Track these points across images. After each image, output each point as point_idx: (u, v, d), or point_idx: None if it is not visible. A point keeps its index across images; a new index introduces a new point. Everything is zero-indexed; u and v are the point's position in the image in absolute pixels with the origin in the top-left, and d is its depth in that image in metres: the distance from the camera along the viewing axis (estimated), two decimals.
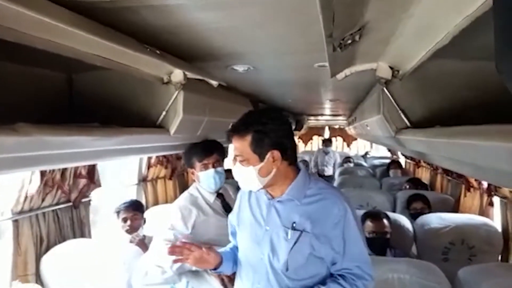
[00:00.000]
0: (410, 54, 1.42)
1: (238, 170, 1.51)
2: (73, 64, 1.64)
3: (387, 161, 7.66)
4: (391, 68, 1.72)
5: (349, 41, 1.19)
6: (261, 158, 1.46)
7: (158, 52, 1.42)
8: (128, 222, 2.82)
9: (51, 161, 1.46)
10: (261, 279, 1.54)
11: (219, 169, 2.23)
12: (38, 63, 1.63)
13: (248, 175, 1.48)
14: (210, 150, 2.24)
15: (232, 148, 1.53)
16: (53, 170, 2.38)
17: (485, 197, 3.42)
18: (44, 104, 1.72)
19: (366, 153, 10.70)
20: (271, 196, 1.57)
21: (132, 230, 2.82)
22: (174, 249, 1.56)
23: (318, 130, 12.04)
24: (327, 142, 8.52)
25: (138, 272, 2.23)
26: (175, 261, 1.65)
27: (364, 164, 8.21)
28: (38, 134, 1.11)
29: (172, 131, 1.91)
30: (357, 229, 1.52)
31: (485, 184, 3.38)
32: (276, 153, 1.46)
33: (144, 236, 2.89)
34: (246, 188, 1.58)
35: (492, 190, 3.27)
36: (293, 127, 6.43)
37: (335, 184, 5.46)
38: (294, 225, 1.49)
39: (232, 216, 1.77)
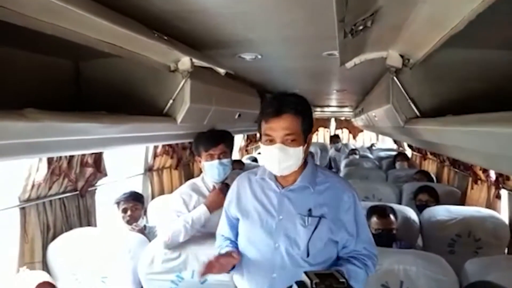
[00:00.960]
0: (422, 41, 1.39)
1: (282, 149, 1.43)
2: (80, 52, 1.64)
3: (393, 153, 7.62)
4: (401, 56, 1.69)
5: (361, 27, 1.16)
6: (305, 140, 1.48)
7: (165, 38, 1.41)
8: (129, 213, 2.84)
9: (59, 148, 1.46)
10: (275, 268, 1.53)
11: (224, 160, 2.20)
12: (45, 50, 1.62)
13: (295, 156, 1.46)
14: (217, 140, 2.22)
15: (273, 128, 1.44)
16: (60, 159, 2.39)
17: (493, 190, 3.39)
18: (51, 91, 1.71)
19: (372, 145, 10.64)
20: (280, 185, 1.56)
21: (132, 220, 2.84)
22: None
23: (324, 122, 11.98)
24: (334, 139, 8.48)
25: (144, 260, 2.24)
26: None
27: (370, 156, 8.17)
28: (47, 120, 1.11)
29: (179, 119, 1.90)
30: (363, 213, 1.64)
31: (492, 177, 3.35)
32: (311, 137, 1.52)
33: (144, 226, 2.91)
34: (282, 171, 1.50)
35: (499, 183, 3.23)
36: None
37: (341, 175, 5.45)
38: (310, 212, 1.52)
39: (230, 207, 1.69)
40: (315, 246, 1.52)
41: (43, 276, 2.00)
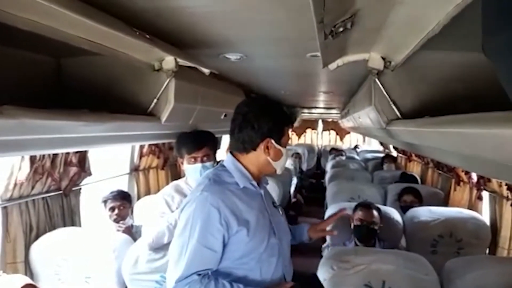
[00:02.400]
0: (402, 44, 1.42)
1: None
2: (62, 49, 1.63)
3: (379, 155, 7.71)
4: (383, 58, 1.72)
5: (341, 29, 1.18)
6: None
7: (147, 36, 1.41)
8: (116, 211, 2.85)
9: (39, 146, 1.45)
10: (285, 261, 1.61)
11: (207, 164, 2.16)
12: (25, 47, 1.60)
13: None
14: (200, 143, 2.17)
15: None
16: (43, 158, 2.36)
17: (474, 191, 3.45)
18: (32, 89, 1.70)
19: (356, 146, 10.82)
20: (257, 184, 1.58)
21: (119, 219, 2.84)
22: None
23: (312, 123, 12.05)
24: (336, 151, 8.60)
25: (128, 261, 2.23)
26: None
27: (356, 157, 8.26)
28: (24, 117, 1.10)
29: (163, 119, 1.89)
30: None
31: (474, 178, 3.41)
32: None
33: (131, 225, 2.90)
34: None
35: (481, 184, 3.30)
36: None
37: (327, 176, 5.49)
38: (274, 203, 1.69)
39: (229, 228, 1.44)
40: None
41: (24, 279, 1.97)
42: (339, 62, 1.81)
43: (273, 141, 1.51)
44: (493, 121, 0.81)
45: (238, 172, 1.53)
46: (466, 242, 2.90)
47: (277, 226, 1.59)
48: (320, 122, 12.06)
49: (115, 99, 1.83)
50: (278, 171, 1.60)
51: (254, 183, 1.55)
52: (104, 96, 1.83)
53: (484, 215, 3.22)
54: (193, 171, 2.16)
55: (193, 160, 2.16)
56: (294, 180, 6.28)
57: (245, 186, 1.52)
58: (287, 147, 1.61)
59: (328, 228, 1.95)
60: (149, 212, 2.79)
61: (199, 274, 1.40)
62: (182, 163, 2.23)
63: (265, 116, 1.50)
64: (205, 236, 1.41)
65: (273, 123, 1.51)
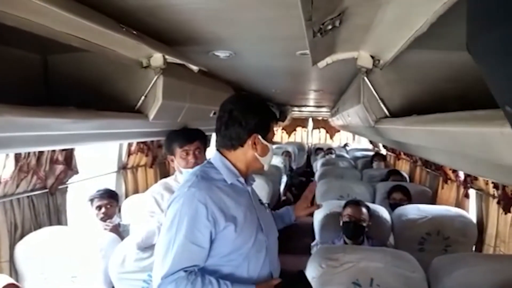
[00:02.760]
0: (390, 42, 1.43)
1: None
2: (48, 45, 1.60)
3: (368, 153, 7.76)
4: (372, 57, 1.73)
5: (329, 27, 1.18)
6: None
7: (134, 32, 1.39)
8: (103, 210, 2.83)
9: (23, 144, 1.42)
10: (271, 256, 1.60)
11: (200, 162, 2.14)
12: (11, 43, 1.57)
13: None
14: (192, 137, 2.19)
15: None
16: (28, 155, 2.32)
17: (462, 189, 3.49)
18: (18, 86, 1.66)
19: (346, 145, 10.88)
20: (244, 182, 1.58)
21: (106, 218, 2.83)
22: None
23: (302, 121, 12.10)
24: (328, 151, 8.64)
25: (115, 259, 2.21)
26: None
27: (346, 155, 8.31)
28: (9, 115, 1.08)
29: (151, 116, 1.88)
30: None
31: (461, 177, 3.45)
32: None
33: (119, 224, 2.88)
34: None
35: (468, 183, 3.33)
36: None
37: (317, 175, 5.51)
38: (261, 201, 1.69)
39: (216, 223, 1.42)
40: None
41: (6, 279, 1.94)
42: (328, 60, 1.82)
43: (260, 137, 1.53)
44: (479, 119, 0.82)
45: (226, 169, 1.53)
46: (453, 239, 2.94)
47: (264, 222, 1.59)
48: (310, 120, 12.11)
49: (102, 96, 1.80)
50: (265, 167, 1.60)
51: (242, 180, 1.55)
52: (91, 93, 1.81)
53: (471, 213, 3.26)
54: (186, 171, 2.12)
55: (185, 153, 2.15)
56: (284, 178, 6.29)
57: (232, 183, 1.52)
58: (277, 145, 1.62)
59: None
60: (137, 210, 2.77)
61: (186, 271, 1.38)
62: (172, 161, 2.22)
63: (251, 112, 1.51)
64: (192, 232, 1.38)
65: (259, 119, 1.52)
